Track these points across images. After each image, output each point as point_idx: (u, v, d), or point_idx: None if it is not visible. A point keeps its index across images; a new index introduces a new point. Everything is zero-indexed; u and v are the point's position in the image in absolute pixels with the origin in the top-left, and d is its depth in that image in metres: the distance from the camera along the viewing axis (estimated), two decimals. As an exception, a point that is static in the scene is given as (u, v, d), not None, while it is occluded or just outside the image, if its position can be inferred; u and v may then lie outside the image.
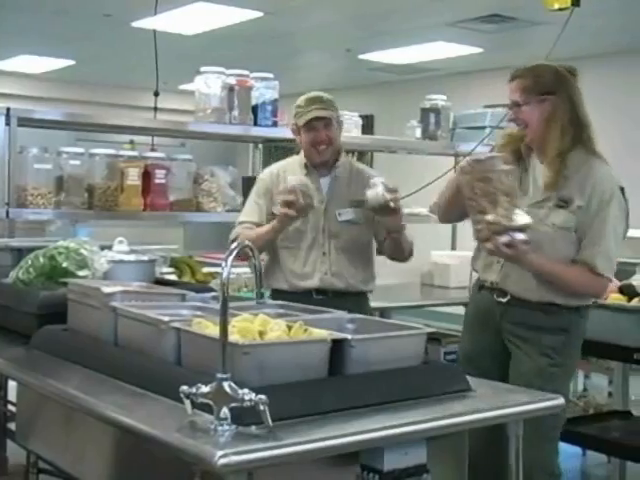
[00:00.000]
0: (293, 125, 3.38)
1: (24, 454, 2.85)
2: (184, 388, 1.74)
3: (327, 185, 3.35)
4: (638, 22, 7.48)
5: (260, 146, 5.20)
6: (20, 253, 3.11)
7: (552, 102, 2.77)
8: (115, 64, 10.23)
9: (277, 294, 3.24)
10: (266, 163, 5.52)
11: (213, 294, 2.63)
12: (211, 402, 1.71)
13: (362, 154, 8.03)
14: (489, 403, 2.09)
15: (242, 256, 1.97)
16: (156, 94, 5.63)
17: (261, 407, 1.66)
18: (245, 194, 4.42)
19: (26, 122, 3.87)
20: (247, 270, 4.23)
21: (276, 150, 5.22)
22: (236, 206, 4.33)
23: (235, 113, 4.25)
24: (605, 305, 3.40)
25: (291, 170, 3.35)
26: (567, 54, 6.03)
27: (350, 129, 5.02)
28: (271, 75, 4.39)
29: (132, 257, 2.90)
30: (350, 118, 5.08)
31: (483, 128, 5.06)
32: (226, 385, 1.69)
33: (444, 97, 5.37)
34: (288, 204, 3.08)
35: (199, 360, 1.94)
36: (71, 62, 10.35)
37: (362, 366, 1.98)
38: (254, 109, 4.33)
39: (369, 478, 1.85)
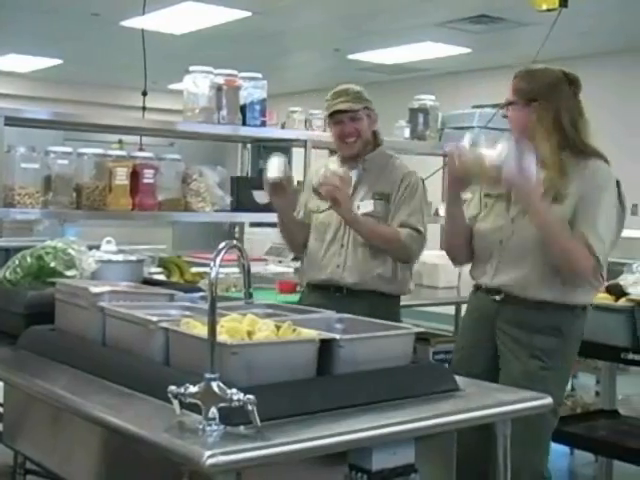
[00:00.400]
0: (325, 117, 3.48)
1: (11, 455, 2.83)
2: (172, 388, 1.73)
3: (355, 177, 3.32)
4: (629, 22, 7.52)
5: (249, 146, 5.18)
6: (7, 253, 3.09)
7: (535, 109, 2.80)
8: (103, 63, 10.21)
9: (307, 289, 3.42)
10: (255, 163, 5.54)
11: (202, 294, 2.62)
12: (199, 402, 1.70)
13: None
14: (477, 403, 2.09)
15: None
16: (144, 94, 5.63)
17: (249, 407, 1.66)
18: (234, 194, 4.42)
19: (14, 121, 3.84)
20: (236, 270, 4.23)
21: (265, 150, 5.21)
22: (225, 206, 4.30)
23: (224, 113, 4.23)
24: (592, 305, 3.41)
25: (332, 163, 3.36)
26: (556, 54, 6.08)
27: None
28: (259, 75, 4.38)
29: (120, 257, 2.89)
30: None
31: (471, 128, 5.08)
32: (214, 385, 1.69)
33: (432, 97, 5.37)
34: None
35: (187, 360, 1.94)
36: (59, 61, 10.33)
37: (350, 366, 1.98)
38: (242, 109, 4.31)
39: (357, 478, 1.85)
